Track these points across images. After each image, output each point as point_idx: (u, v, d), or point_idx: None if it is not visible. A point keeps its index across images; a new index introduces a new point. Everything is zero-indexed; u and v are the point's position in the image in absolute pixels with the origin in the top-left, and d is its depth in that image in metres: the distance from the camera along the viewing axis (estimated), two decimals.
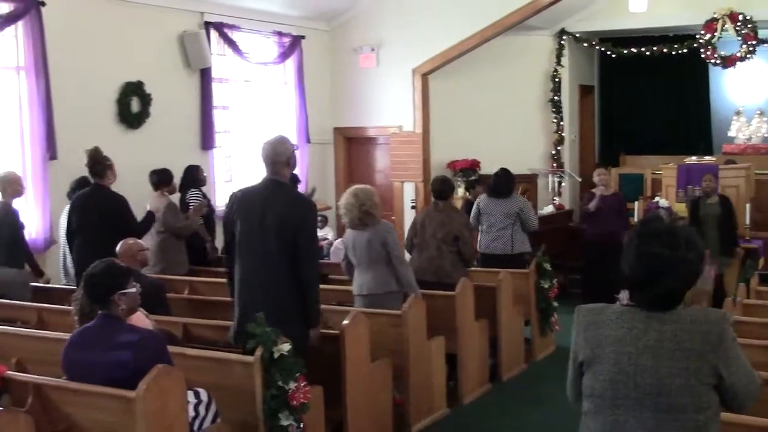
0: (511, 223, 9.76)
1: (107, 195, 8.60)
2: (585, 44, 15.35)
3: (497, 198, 9.91)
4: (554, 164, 14.84)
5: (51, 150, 10.01)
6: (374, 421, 6.76)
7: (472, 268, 9.07)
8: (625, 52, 15.16)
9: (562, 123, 14.93)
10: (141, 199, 9.70)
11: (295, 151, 6.51)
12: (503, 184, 10.01)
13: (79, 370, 5.05)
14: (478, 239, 9.92)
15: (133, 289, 5.17)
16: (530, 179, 14.31)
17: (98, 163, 8.63)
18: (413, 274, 7.70)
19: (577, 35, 15.11)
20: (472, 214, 10.02)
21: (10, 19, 9.62)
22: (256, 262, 6.05)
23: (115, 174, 8.76)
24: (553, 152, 14.90)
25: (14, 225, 8.75)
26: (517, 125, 14.73)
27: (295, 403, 5.52)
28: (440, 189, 8.92)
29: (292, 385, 5.51)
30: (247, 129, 13.28)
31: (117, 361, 4.86)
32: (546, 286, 9.34)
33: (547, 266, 9.41)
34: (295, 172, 8.38)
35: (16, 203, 8.96)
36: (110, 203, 8.55)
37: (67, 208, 8.93)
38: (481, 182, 11.80)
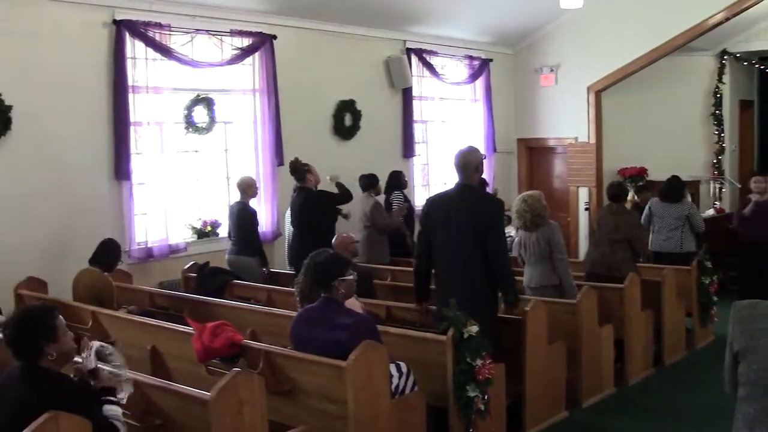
0: (681, 225, 9.54)
1: (309, 194, 8.91)
2: (745, 63, 14.64)
3: (669, 202, 9.65)
4: (715, 172, 14.22)
5: (279, 157, 10.35)
6: (549, 396, 6.69)
7: (640, 264, 8.85)
8: None
9: (723, 134, 14.30)
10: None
11: (483, 159, 6.50)
12: (675, 189, 9.76)
13: (303, 343, 5.22)
14: (650, 239, 9.67)
15: (351, 277, 5.26)
16: (693, 185, 13.77)
17: (298, 170, 8.94)
18: (570, 273, 7.60)
19: (738, 55, 14.43)
20: (644, 215, 9.82)
21: (248, 50, 10.04)
22: (453, 257, 6.08)
23: (316, 177, 9.03)
24: (714, 161, 14.28)
25: (251, 221, 9.11)
26: (682, 136, 14.19)
27: (481, 377, 5.53)
28: (615, 193, 8.84)
29: (479, 362, 5.52)
30: (442, 140, 13.33)
31: (335, 340, 4.98)
32: (707, 281, 9.00)
33: (708, 264, 9.06)
34: (483, 177, 8.37)
35: (252, 203, 9.36)
36: (311, 201, 8.85)
37: None
38: (649, 187, 11.47)
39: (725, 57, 14.33)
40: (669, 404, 7.31)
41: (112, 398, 4.03)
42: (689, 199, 9.80)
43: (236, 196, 9.46)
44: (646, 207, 9.99)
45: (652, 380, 8.00)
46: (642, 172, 13.88)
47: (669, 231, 9.58)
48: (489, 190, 11.94)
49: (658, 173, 10.87)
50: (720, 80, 14.31)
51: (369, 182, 10.13)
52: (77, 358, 4.15)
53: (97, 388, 4.03)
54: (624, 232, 8.45)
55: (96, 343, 4.20)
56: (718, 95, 14.29)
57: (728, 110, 14.45)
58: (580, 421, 6.89)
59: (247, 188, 9.22)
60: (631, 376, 7.84)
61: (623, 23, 12.98)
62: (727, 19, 12.14)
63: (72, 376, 4.11)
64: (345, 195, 9.39)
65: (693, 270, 8.96)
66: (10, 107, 7.93)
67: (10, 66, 8.01)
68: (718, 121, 14.28)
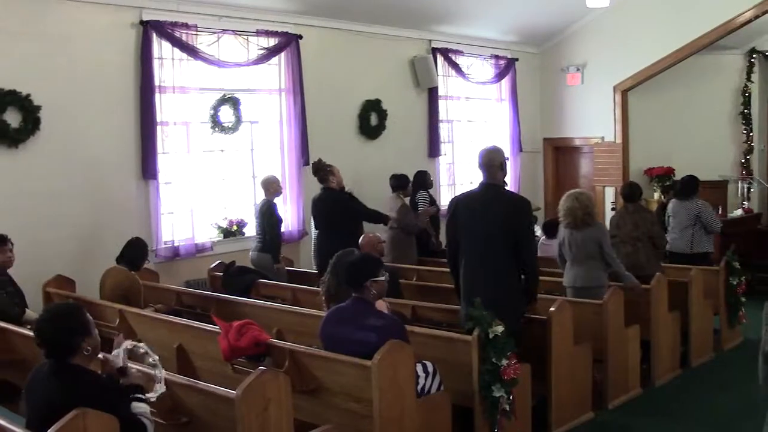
0: (692, 224, 9.42)
1: (332, 195, 8.90)
2: None
3: (682, 200, 9.58)
4: (743, 171, 14.11)
5: (305, 157, 10.39)
6: (575, 397, 6.65)
7: (667, 265, 8.78)
8: None
9: (751, 134, 14.19)
10: (377, 198, 9.94)
11: (506, 159, 6.49)
12: (687, 187, 9.66)
13: (333, 342, 5.22)
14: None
15: (383, 278, 5.26)
16: (720, 185, 13.66)
17: (320, 171, 8.92)
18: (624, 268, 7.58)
19: (767, 53, 14.29)
20: (666, 215, 9.73)
21: (274, 50, 10.09)
22: (479, 257, 6.05)
23: (339, 178, 9.00)
24: (743, 160, 14.18)
25: (270, 217, 9.13)
26: (709, 135, 14.09)
27: (506, 377, 5.50)
28: (629, 193, 8.79)
29: (504, 362, 5.49)
30: (468, 140, 13.32)
31: (364, 341, 4.98)
32: (734, 282, 8.89)
33: (736, 264, 8.96)
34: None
35: (278, 201, 9.38)
36: (335, 201, 8.82)
37: None
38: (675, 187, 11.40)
39: (754, 55, 14.20)
40: (696, 406, 7.23)
41: (140, 396, 4.06)
42: (701, 199, 9.62)
43: (262, 195, 9.49)
44: (667, 207, 9.93)
45: (679, 382, 7.93)
46: (669, 171, 13.80)
47: (681, 230, 9.48)
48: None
49: (685, 173, 10.77)
50: (749, 79, 14.19)
51: (400, 183, 10.09)
52: (107, 355, 4.18)
53: (125, 386, 4.06)
54: (644, 230, 8.41)
55: (128, 342, 4.24)
56: (747, 94, 14.18)
57: (757, 109, 14.33)
58: (606, 423, 6.84)
59: (269, 186, 9.23)
60: (658, 377, 7.77)
61: (650, 22, 12.92)
62: (756, 17, 12.04)
63: (100, 372, 4.14)
64: (378, 215, 9.32)
65: (720, 270, 8.87)
66: (39, 107, 8.02)
67: (38, 66, 8.09)
68: (747, 120, 14.17)
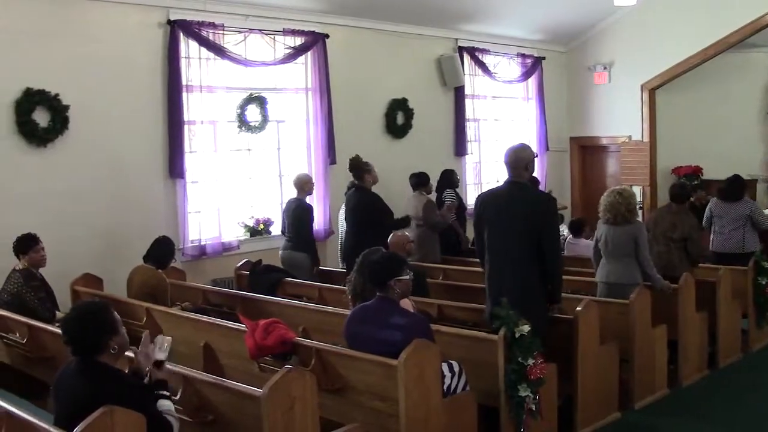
0: (742, 225, 9.29)
1: (364, 194, 8.87)
2: None
3: (729, 201, 9.44)
4: None
5: (331, 156, 10.41)
6: (601, 397, 6.60)
7: (713, 266, 8.68)
8: None
9: None
10: (403, 197, 9.92)
11: (534, 158, 6.44)
12: (735, 189, 9.53)
13: (357, 341, 5.22)
14: (711, 239, 9.49)
15: (407, 277, 5.25)
16: (749, 184, 13.48)
17: (358, 168, 8.89)
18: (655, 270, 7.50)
19: None
20: (705, 216, 9.59)
21: (301, 49, 10.11)
22: (504, 255, 6.02)
23: (374, 177, 8.97)
24: None
25: (306, 217, 9.14)
26: (738, 134, 13.94)
27: (532, 377, 5.48)
28: (676, 193, 8.66)
29: (531, 362, 5.47)
30: (494, 138, 13.28)
31: (389, 340, 4.98)
32: (763, 282, 8.78)
33: (765, 264, 8.85)
34: (534, 175, 8.24)
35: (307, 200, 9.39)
36: (366, 201, 8.80)
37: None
38: (703, 187, 11.25)
39: None
40: (723, 407, 7.17)
41: (164, 392, 4.08)
42: (749, 198, 9.47)
43: (289, 194, 9.51)
44: (707, 208, 9.77)
45: (707, 382, 7.85)
46: (696, 171, 13.70)
47: (730, 231, 9.35)
48: (542, 189, 11.85)
49: (713, 172, 10.67)
50: None
51: (420, 180, 10.07)
52: (136, 350, 4.21)
53: (153, 381, 4.09)
54: (681, 232, 8.31)
55: (168, 338, 4.26)
56: None
57: None
58: (633, 423, 6.79)
59: (304, 185, 9.25)
60: (685, 377, 7.70)
61: (678, 20, 12.83)
62: None
63: (126, 370, 4.16)
64: (401, 221, 9.23)
65: (749, 270, 8.77)
66: (67, 107, 8.10)
67: (67, 66, 8.16)
68: None
